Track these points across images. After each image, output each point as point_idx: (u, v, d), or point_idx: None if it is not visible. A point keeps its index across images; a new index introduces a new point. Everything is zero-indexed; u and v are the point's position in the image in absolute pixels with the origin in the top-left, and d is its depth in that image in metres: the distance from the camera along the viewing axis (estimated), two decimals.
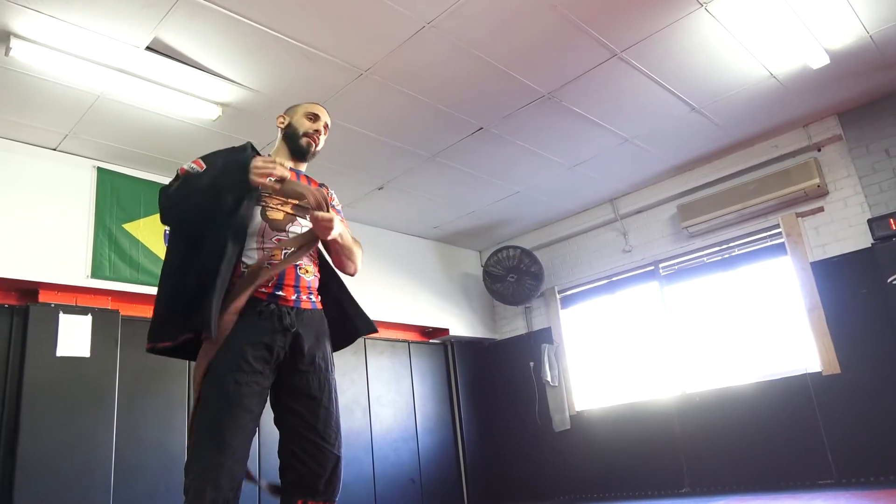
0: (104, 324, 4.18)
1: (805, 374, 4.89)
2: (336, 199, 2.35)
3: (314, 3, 3.22)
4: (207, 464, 1.83)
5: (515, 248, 6.46)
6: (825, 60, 4.16)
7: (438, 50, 3.67)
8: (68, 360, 3.96)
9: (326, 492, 2.04)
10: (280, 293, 2.05)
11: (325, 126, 2.35)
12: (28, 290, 4.04)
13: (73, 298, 4.16)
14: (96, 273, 4.17)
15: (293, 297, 2.08)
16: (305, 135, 2.28)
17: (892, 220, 4.50)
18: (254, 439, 1.95)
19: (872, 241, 4.60)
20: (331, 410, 2.10)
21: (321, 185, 2.33)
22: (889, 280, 4.40)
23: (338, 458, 2.07)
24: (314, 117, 2.31)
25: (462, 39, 3.61)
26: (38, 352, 3.88)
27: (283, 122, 2.33)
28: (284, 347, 2.03)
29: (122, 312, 4.32)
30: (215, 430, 1.86)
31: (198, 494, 1.81)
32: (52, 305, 4.02)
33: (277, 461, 2.07)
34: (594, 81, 4.17)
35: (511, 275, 6.44)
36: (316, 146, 2.32)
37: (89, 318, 4.12)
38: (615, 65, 4.01)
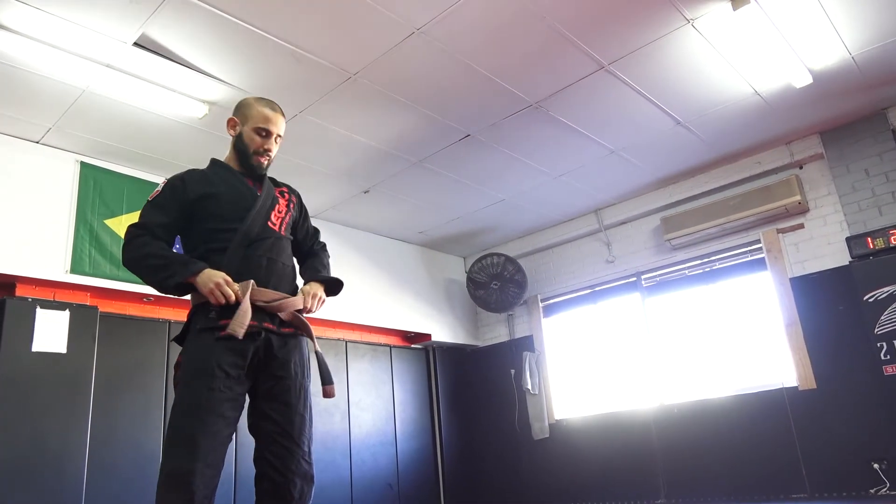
0: (82, 320, 4.13)
1: (781, 389, 4.95)
2: (296, 200, 2.39)
3: (304, 5, 3.22)
4: (180, 469, 1.82)
5: (500, 255, 6.48)
6: (808, 80, 4.23)
7: (427, 56, 3.69)
8: (44, 356, 3.92)
9: (300, 500, 2.02)
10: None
11: (277, 138, 2.26)
12: (5, 284, 4.00)
13: (52, 293, 4.12)
14: (76, 268, 4.13)
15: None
16: (256, 154, 2.21)
17: (869, 238, 4.57)
18: (230, 449, 1.96)
19: (850, 259, 4.67)
20: (305, 417, 2.09)
21: (285, 189, 2.35)
22: (865, 298, 4.47)
23: (309, 465, 2.06)
24: (265, 133, 2.21)
25: (451, 46, 3.63)
26: (13, 346, 3.83)
27: (233, 131, 2.26)
28: (258, 353, 2.03)
29: (100, 309, 4.27)
30: (187, 435, 1.86)
31: (168, 491, 1.81)
32: (30, 300, 3.98)
33: (252, 471, 2.07)
34: (581, 93, 4.20)
35: (495, 282, 6.46)
36: (267, 163, 2.26)
37: (67, 313, 4.08)
38: (602, 77, 4.05)
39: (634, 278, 6.03)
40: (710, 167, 5.54)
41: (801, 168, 5.21)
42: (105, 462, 4.06)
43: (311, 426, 2.11)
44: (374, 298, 6.06)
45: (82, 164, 4.37)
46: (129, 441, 4.24)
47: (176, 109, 3.95)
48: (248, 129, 2.22)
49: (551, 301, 6.62)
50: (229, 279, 1.99)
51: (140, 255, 2.04)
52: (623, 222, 6.17)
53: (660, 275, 5.90)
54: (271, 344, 2.06)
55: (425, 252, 6.86)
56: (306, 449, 2.06)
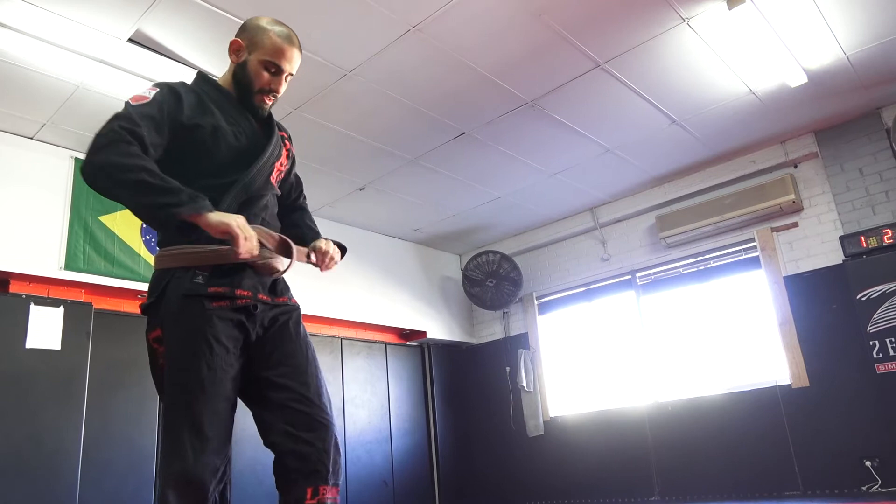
0: (76, 316, 4.12)
1: (775, 387, 4.97)
2: (293, 148, 2.02)
3: (300, 2, 3.21)
4: (187, 462, 1.56)
5: (495, 253, 6.49)
6: (803, 79, 4.24)
7: (423, 54, 3.68)
8: (38, 353, 3.91)
9: (335, 473, 1.69)
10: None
11: (288, 76, 1.87)
12: None
13: (46, 290, 4.11)
14: (70, 265, 4.12)
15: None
16: (260, 92, 1.82)
17: (863, 237, 4.59)
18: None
19: (844, 258, 4.69)
20: (320, 379, 1.77)
21: (285, 134, 1.98)
22: (858, 296, 4.49)
23: (335, 432, 1.74)
24: (275, 70, 1.81)
25: (447, 44, 3.63)
26: (7, 343, 3.81)
27: (235, 56, 1.84)
28: (256, 326, 1.73)
29: (95, 305, 4.26)
30: (192, 424, 1.58)
31: (179, 497, 1.56)
32: (24, 296, 3.96)
33: (242, 476, 1.83)
34: (577, 91, 4.20)
35: (490, 279, 6.47)
36: (271, 104, 1.87)
37: (61, 310, 4.06)
38: (598, 75, 4.05)
39: (629, 276, 6.05)
40: (704, 166, 5.55)
41: (795, 167, 5.22)
42: (100, 459, 4.06)
43: (326, 390, 1.78)
44: (370, 296, 6.06)
45: (76, 160, 4.35)
46: (124, 438, 4.23)
47: None
48: (254, 58, 1.80)
49: (546, 299, 6.63)
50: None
51: (128, 165, 1.55)
52: (618, 220, 6.18)
53: (654, 273, 5.92)
54: (266, 314, 1.76)
55: (421, 249, 6.86)
56: (328, 412, 1.73)
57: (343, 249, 1.99)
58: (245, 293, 1.70)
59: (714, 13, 3.54)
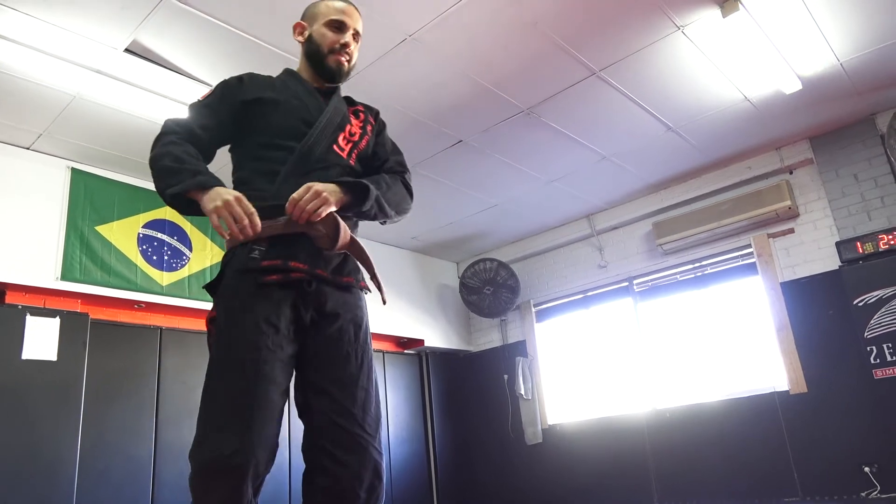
0: (73, 327, 4.11)
1: (773, 393, 4.97)
2: (374, 121, 1.95)
3: (294, 10, 3.21)
4: (224, 450, 1.42)
5: (492, 260, 6.49)
6: (798, 86, 4.26)
7: (419, 62, 3.69)
8: (34, 364, 3.89)
9: (370, 500, 1.55)
10: None
11: (356, 34, 1.87)
12: None
13: (42, 300, 4.10)
14: (66, 275, 4.11)
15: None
16: (332, 52, 1.82)
17: (859, 243, 4.60)
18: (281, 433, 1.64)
19: (840, 264, 4.70)
20: (371, 393, 1.66)
21: (360, 108, 1.95)
22: (855, 302, 4.50)
23: (379, 455, 1.61)
24: (339, 26, 1.82)
25: (443, 53, 3.64)
26: (3, 354, 3.80)
27: (301, 36, 1.88)
28: (310, 307, 1.63)
29: (91, 316, 4.25)
30: (232, 406, 1.46)
31: (208, 486, 1.43)
32: (20, 307, 3.95)
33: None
34: (573, 99, 4.22)
35: (487, 287, 6.47)
36: (349, 65, 1.86)
37: (57, 320, 4.05)
38: (593, 83, 4.07)
39: (626, 283, 6.05)
40: (701, 172, 5.57)
41: (791, 173, 5.24)
42: (96, 469, 4.04)
43: (377, 405, 1.67)
44: (367, 304, 6.03)
45: (73, 170, 4.35)
46: (120, 448, 4.21)
47: (167, 115, 3.92)
48: (317, 26, 1.84)
49: (544, 306, 6.62)
50: (243, 198, 1.52)
51: (159, 154, 1.63)
52: (615, 227, 6.19)
53: (652, 279, 5.92)
54: (324, 296, 1.66)
55: (418, 257, 6.86)
56: (372, 433, 1.60)
57: (361, 190, 1.71)
58: (300, 265, 1.61)
59: (708, 21, 3.56)
